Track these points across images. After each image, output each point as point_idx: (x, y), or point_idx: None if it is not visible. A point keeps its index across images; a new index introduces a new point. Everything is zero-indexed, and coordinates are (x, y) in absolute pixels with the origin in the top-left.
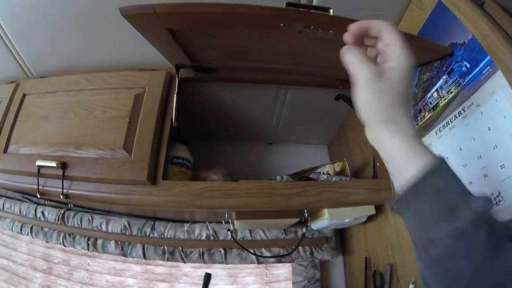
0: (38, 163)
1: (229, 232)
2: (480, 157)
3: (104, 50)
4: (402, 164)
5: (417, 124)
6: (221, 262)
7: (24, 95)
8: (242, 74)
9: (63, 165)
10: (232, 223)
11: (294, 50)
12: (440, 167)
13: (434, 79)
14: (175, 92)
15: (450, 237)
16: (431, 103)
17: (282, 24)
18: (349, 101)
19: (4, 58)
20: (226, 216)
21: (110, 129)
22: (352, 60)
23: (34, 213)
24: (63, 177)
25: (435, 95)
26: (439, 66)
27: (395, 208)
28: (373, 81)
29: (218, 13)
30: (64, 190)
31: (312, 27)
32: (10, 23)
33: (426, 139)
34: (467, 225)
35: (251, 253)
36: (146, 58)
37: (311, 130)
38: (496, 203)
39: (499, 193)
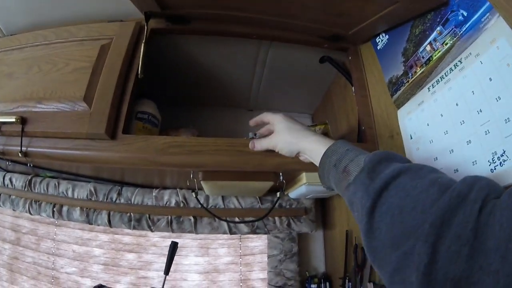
0: None
1: (193, 194)
2: (480, 111)
3: (74, 3)
4: (316, 155)
5: (408, 81)
6: (190, 231)
7: None
8: (218, 26)
9: (23, 121)
10: (199, 186)
11: None
12: (333, 149)
13: (427, 32)
14: (143, 41)
15: (347, 190)
16: (423, 57)
17: None
18: (335, 63)
19: None
20: (192, 176)
21: (72, 81)
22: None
23: (2, 180)
24: (22, 133)
25: (428, 48)
26: (433, 17)
27: (321, 182)
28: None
29: None
30: (22, 148)
31: None
32: None
33: (418, 97)
34: (354, 178)
35: (221, 219)
36: (116, 11)
37: (295, 97)
38: (500, 163)
39: (504, 151)
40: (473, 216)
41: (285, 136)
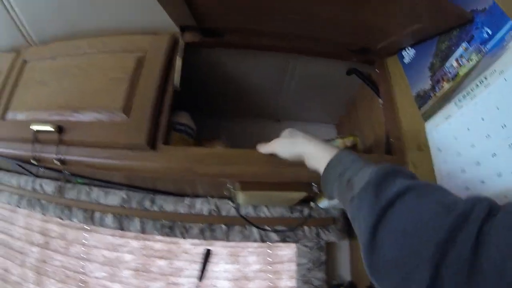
0: (33, 127)
1: (232, 203)
2: (505, 126)
3: (107, 15)
4: (319, 163)
5: (435, 94)
6: (222, 239)
7: (24, 62)
8: (250, 39)
9: (60, 129)
10: (235, 196)
11: (307, 11)
12: (338, 158)
13: (453, 47)
14: (180, 54)
15: (350, 203)
16: (450, 73)
17: None
18: (362, 75)
19: (5, 27)
20: (229, 187)
21: (109, 91)
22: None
23: (32, 185)
24: (59, 141)
25: (454, 64)
26: (458, 33)
27: (323, 191)
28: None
29: None
30: (59, 156)
31: None
32: None
33: (446, 111)
34: (359, 192)
35: (256, 226)
36: (149, 23)
37: (320, 107)
38: None
39: None
40: (473, 236)
41: (285, 139)
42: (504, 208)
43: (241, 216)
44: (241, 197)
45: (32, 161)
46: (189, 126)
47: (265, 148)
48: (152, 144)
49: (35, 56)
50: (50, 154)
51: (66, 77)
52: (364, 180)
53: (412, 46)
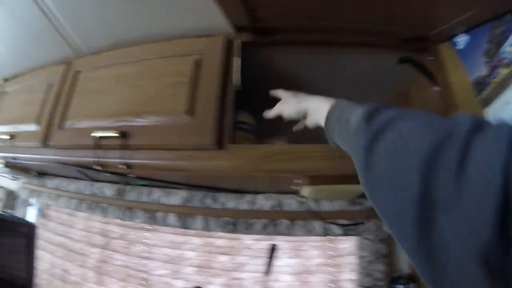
0: (96, 134)
1: (301, 198)
2: None
3: (155, 21)
4: (321, 114)
5: (492, 80)
6: (285, 234)
7: (76, 73)
8: (302, 36)
9: (123, 134)
10: (302, 191)
11: (362, 3)
12: (336, 105)
13: (506, 33)
14: (238, 54)
15: (348, 140)
16: (506, 58)
17: None
18: (415, 63)
19: (55, 40)
20: (297, 181)
21: (170, 95)
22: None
23: (91, 190)
24: (123, 146)
25: (509, 49)
26: (510, 18)
27: (328, 140)
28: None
29: None
30: (124, 160)
31: None
32: (59, 5)
33: (505, 97)
34: (356, 126)
35: (329, 222)
36: (198, 26)
37: (371, 98)
38: None
39: None
40: (459, 147)
41: (290, 99)
42: (492, 125)
43: (311, 210)
44: (308, 191)
45: (95, 167)
46: (250, 123)
47: (272, 112)
48: (219, 143)
49: (88, 67)
50: (114, 159)
51: (123, 85)
52: (359, 116)
53: (465, 32)
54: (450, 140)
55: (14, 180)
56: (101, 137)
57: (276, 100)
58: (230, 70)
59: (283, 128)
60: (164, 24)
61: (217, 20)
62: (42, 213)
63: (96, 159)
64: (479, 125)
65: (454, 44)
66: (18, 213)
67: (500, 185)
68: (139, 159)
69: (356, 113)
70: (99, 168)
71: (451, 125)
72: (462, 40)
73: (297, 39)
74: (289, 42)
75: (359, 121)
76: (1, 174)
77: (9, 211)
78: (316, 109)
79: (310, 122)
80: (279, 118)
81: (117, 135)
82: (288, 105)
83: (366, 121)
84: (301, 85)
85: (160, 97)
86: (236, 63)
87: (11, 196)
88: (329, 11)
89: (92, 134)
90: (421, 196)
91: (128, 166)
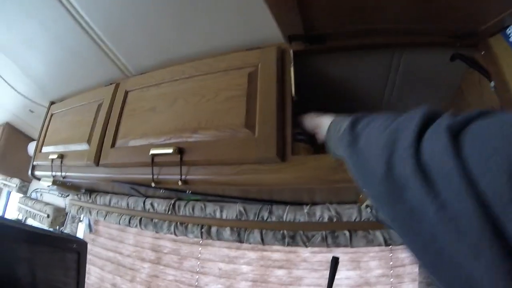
0: (153, 151)
1: (368, 209)
2: None
3: (202, 38)
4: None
5: None
6: (345, 246)
7: (126, 92)
8: (353, 41)
9: (180, 151)
10: (365, 200)
11: (412, 2)
12: (334, 120)
13: None
14: (292, 64)
15: (338, 140)
16: None
17: None
18: (467, 59)
19: (101, 62)
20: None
21: (227, 110)
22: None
23: (142, 205)
24: (181, 162)
25: None
26: None
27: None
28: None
29: None
30: (183, 177)
31: None
32: (104, 27)
33: None
34: (344, 131)
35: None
36: (245, 40)
37: (424, 98)
38: None
39: None
40: (410, 140)
41: (311, 114)
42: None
43: (378, 219)
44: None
45: (152, 184)
46: (308, 133)
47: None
48: (282, 156)
49: (137, 86)
50: (172, 175)
51: (177, 102)
52: (346, 124)
53: None
54: (403, 134)
55: (62, 197)
56: (157, 154)
57: (327, 108)
58: (285, 80)
59: None
60: (214, 40)
61: (269, 31)
62: (91, 229)
63: (153, 176)
64: (429, 118)
65: (507, 36)
66: (67, 229)
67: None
68: (198, 174)
69: (346, 122)
70: (156, 185)
71: (399, 121)
72: None
73: (348, 44)
74: (340, 48)
75: (346, 126)
76: (49, 191)
77: (58, 228)
78: (322, 126)
79: (319, 137)
80: None
81: (174, 151)
82: (307, 119)
83: (350, 125)
84: (353, 91)
85: (217, 112)
86: (292, 73)
87: (60, 212)
88: (378, 12)
89: (151, 152)
90: (386, 173)
91: (186, 182)
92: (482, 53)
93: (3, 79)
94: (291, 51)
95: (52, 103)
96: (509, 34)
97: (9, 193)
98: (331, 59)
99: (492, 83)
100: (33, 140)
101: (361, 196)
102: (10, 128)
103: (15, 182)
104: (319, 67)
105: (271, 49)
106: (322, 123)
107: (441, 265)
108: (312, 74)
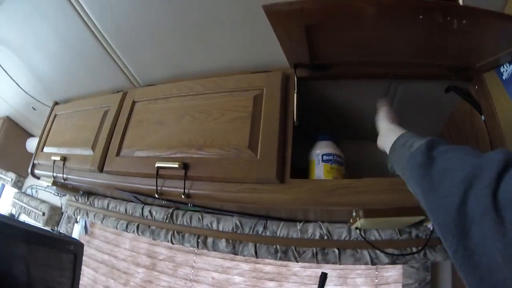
0: (158, 164)
1: (357, 230)
2: None
3: (211, 57)
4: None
5: None
6: (334, 262)
7: (134, 102)
8: (356, 69)
9: (185, 166)
10: (355, 221)
11: (414, 40)
12: (404, 134)
13: None
14: (295, 91)
15: (407, 157)
16: None
17: (421, 17)
18: (461, 92)
19: (110, 70)
20: (354, 214)
21: (232, 130)
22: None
23: (141, 212)
24: (186, 177)
25: None
26: None
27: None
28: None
29: (363, 5)
30: (186, 190)
31: (449, 18)
32: (115, 37)
33: None
34: (418, 150)
35: (385, 253)
36: (252, 62)
37: (419, 124)
38: None
39: None
40: (491, 180)
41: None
42: None
43: (366, 241)
44: (361, 223)
45: (156, 195)
46: (338, 154)
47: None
48: (281, 178)
49: (145, 97)
50: (175, 188)
51: (184, 118)
52: (422, 142)
53: (509, 62)
54: (482, 172)
55: (57, 196)
56: (162, 167)
57: (327, 132)
58: (288, 105)
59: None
60: (222, 59)
61: (275, 56)
62: (87, 230)
63: (157, 188)
64: (509, 164)
65: (501, 73)
66: (62, 229)
67: None
68: (201, 190)
69: (421, 141)
70: (159, 196)
71: (485, 159)
72: (507, 70)
73: (350, 72)
74: (341, 75)
75: (421, 146)
76: (45, 189)
77: (54, 227)
78: (386, 135)
79: (379, 143)
80: None
81: (180, 166)
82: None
83: (427, 147)
84: (353, 114)
85: (223, 132)
86: (295, 99)
87: (55, 211)
88: (382, 48)
89: (156, 165)
90: (459, 206)
91: (189, 196)
92: (476, 87)
93: (8, 73)
94: (296, 79)
95: (56, 103)
96: (503, 71)
97: (3, 186)
98: (333, 84)
99: (483, 117)
100: (31, 135)
101: (352, 218)
102: (10, 122)
103: (10, 176)
104: (321, 91)
105: (276, 74)
106: (386, 132)
107: None
108: (314, 97)
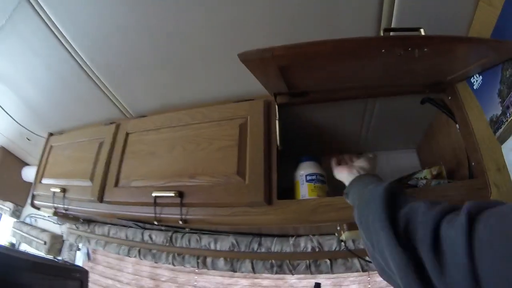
0: (155, 194)
1: (342, 243)
2: None
3: (197, 89)
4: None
5: (507, 120)
6: (327, 272)
7: (127, 134)
8: (332, 94)
9: (180, 194)
10: (340, 234)
11: (383, 68)
12: (361, 176)
13: None
14: (277, 118)
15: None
16: None
17: (383, 50)
18: (435, 103)
19: (102, 103)
20: (338, 228)
21: (221, 158)
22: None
23: (141, 237)
24: (181, 204)
25: None
26: None
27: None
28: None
29: (329, 50)
30: (182, 216)
31: (410, 49)
32: (105, 72)
33: None
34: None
35: (361, 258)
36: (235, 91)
37: (398, 136)
38: None
39: None
40: (431, 228)
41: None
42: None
43: (349, 250)
44: (346, 235)
45: (155, 222)
46: (320, 174)
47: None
48: (268, 200)
49: (137, 128)
50: (172, 215)
51: (175, 149)
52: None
53: (479, 73)
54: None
55: (58, 224)
56: (159, 196)
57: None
58: (271, 131)
59: None
60: (208, 90)
61: (256, 86)
62: (89, 257)
63: (155, 216)
64: (449, 213)
65: (471, 84)
66: (65, 256)
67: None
68: (196, 215)
69: (377, 185)
70: (158, 223)
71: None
72: (477, 80)
73: (326, 97)
74: (320, 100)
75: (379, 193)
76: (46, 219)
77: (55, 256)
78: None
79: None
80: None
81: (175, 195)
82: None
83: (385, 202)
84: (333, 133)
85: (212, 160)
86: (277, 125)
87: (56, 239)
88: (355, 77)
89: (153, 194)
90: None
91: (186, 221)
92: (449, 97)
93: (1, 106)
94: (276, 106)
95: (50, 134)
96: (473, 82)
97: (0, 216)
98: (312, 108)
99: (457, 126)
100: (27, 164)
101: (337, 231)
102: (5, 152)
103: (8, 206)
104: (301, 115)
105: (258, 103)
106: (342, 177)
107: None
108: (295, 120)
